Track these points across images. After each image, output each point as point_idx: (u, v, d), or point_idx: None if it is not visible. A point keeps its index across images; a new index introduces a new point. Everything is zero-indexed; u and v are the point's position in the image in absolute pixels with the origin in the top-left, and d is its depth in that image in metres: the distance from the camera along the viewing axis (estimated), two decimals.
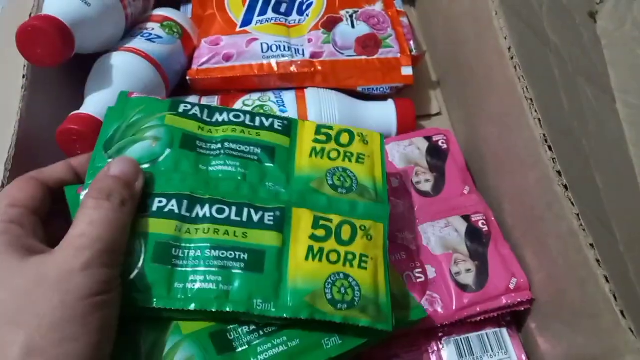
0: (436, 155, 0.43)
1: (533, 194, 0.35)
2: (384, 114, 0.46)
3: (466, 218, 0.40)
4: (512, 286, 0.36)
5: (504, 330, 0.38)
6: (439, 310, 0.36)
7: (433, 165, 0.43)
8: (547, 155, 0.33)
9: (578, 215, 0.30)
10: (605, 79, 0.52)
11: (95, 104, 0.37)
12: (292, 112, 0.44)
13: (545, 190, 0.33)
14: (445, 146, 0.44)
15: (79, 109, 0.37)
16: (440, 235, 0.39)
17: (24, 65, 0.36)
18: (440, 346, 0.37)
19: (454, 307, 0.36)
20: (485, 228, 0.39)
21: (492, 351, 0.37)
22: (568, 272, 0.31)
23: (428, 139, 0.44)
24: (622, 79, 0.52)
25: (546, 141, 0.33)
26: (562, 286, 0.32)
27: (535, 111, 0.34)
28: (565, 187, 0.31)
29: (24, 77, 0.36)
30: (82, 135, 0.35)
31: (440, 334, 0.37)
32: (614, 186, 0.40)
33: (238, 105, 0.44)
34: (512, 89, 0.36)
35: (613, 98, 0.51)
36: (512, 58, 0.37)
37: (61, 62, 0.35)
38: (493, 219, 0.40)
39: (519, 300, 0.36)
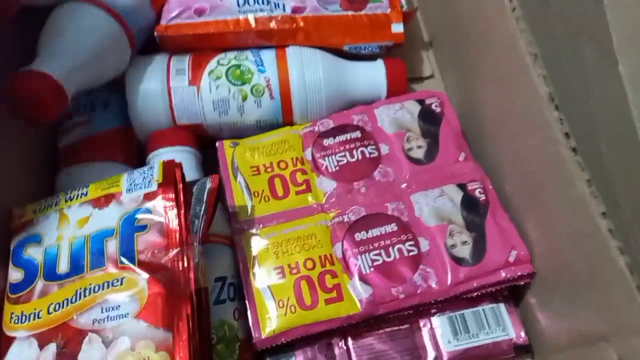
0: (429, 119, 0.40)
1: (536, 158, 0.32)
2: (373, 75, 0.42)
3: (462, 187, 0.37)
4: (511, 259, 0.34)
5: (502, 306, 0.35)
6: (433, 285, 0.33)
7: (426, 130, 0.40)
8: (553, 115, 0.30)
9: (588, 181, 0.27)
10: (607, 39, 0.49)
11: (48, 59, 0.32)
12: (271, 73, 0.40)
13: (550, 154, 0.30)
14: (439, 110, 0.41)
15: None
16: (434, 205, 0.36)
17: None
18: (434, 323, 0.35)
19: (449, 282, 0.33)
20: (483, 197, 0.36)
21: (489, 328, 0.35)
22: (574, 243, 0.29)
23: (420, 102, 0.41)
24: (623, 40, 0.49)
25: (552, 100, 0.30)
26: (568, 259, 0.30)
27: (540, 67, 0.31)
28: (574, 150, 0.29)
29: None
30: (35, 96, 0.31)
31: (433, 310, 0.35)
32: (617, 152, 0.38)
33: (212, 65, 0.40)
34: (513, 44, 0.33)
35: (615, 60, 0.48)
36: (513, 10, 0.33)
37: (10, 15, 0.30)
38: (490, 187, 0.37)
39: (519, 274, 0.34)
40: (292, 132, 0.40)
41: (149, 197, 0.29)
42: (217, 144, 0.40)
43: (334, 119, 0.41)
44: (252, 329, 0.32)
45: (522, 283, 0.34)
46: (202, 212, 0.30)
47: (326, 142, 0.39)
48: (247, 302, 0.33)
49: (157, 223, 0.28)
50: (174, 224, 0.28)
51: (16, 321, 0.27)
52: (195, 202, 0.30)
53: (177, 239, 0.28)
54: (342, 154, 0.39)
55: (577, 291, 0.29)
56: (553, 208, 0.30)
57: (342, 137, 0.40)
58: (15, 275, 0.29)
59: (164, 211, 0.28)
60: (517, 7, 0.33)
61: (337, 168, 0.38)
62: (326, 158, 0.39)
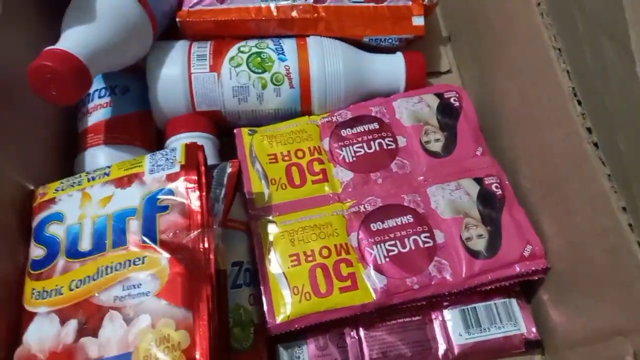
0: (447, 113, 0.40)
1: (557, 153, 0.32)
2: (392, 67, 0.42)
3: (478, 181, 0.37)
4: (526, 254, 0.34)
5: (514, 301, 0.35)
6: (448, 277, 0.33)
7: (444, 124, 0.40)
8: (576, 110, 0.30)
9: (609, 176, 0.28)
10: (626, 39, 0.49)
11: (73, 39, 0.33)
12: (292, 62, 0.40)
13: (572, 148, 0.30)
14: (457, 104, 0.41)
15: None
16: (450, 198, 0.36)
17: None
18: (446, 316, 0.35)
19: (463, 275, 0.33)
20: (499, 191, 0.36)
21: (501, 322, 0.35)
22: (594, 238, 0.29)
23: (439, 95, 0.41)
24: None
25: (575, 95, 0.30)
26: (586, 254, 0.30)
27: (564, 62, 0.31)
28: (596, 145, 0.29)
29: None
30: (56, 73, 0.31)
31: (445, 303, 0.35)
32: (636, 150, 0.38)
33: (233, 52, 0.40)
34: (538, 38, 0.33)
35: (633, 59, 0.48)
36: (538, 4, 0.33)
37: None
38: (507, 182, 0.37)
39: (533, 268, 0.34)
40: (310, 122, 0.41)
41: (172, 178, 0.29)
42: (235, 131, 0.40)
43: (352, 110, 0.41)
44: (266, 314, 0.33)
45: (536, 278, 0.34)
46: (222, 195, 0.30)
47: (344, 132, 0.40)
48: (262, 287, 0.33)
49: (179, 204, 0.28)
50: (195, 205, 0.28)
51: (37, 297, 0.28)
52: (216, 186, 0.31)
53: (199, 220, 0.28)
54: (360, 144, 0.39)
55: (595, 286, 0.29)
56: (573, 203, 0.31)
57: (359, 128, 0.40)
58: (37, 252, 0.29)
59: (186, 192, 0.28)
60: (542, 1, 0.33)
61: (354, 158, 0.38)
62: (343, 148, 0.39)
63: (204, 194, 0.29)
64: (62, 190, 0.30)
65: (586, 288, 0.30)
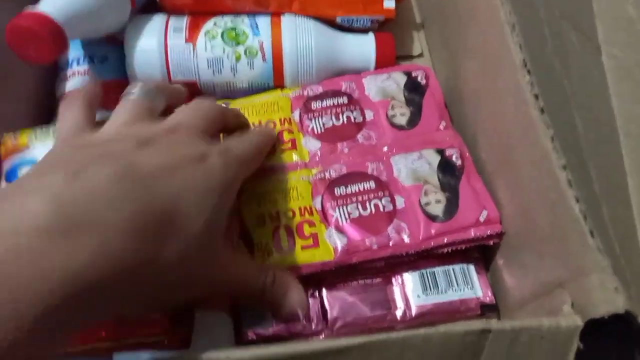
0: (414, 90, 0.42)
1: (509, 120, 0.33)
2: (363, 47, 0.44)
3: (440, 152, 0.38)
4: (482, 219, 0.35)
5: (472, 267, 0.37)
6: (405, 239, 0.35)
7: (410, 99, 0.41)
8: (525, 79, 0.31)
9: (552, 138, 0.29)
10: (591, 29, 0.51)
11: (50, 3, 0.34)
12: (265, 37, 0.42)
13: (521, 114, 0.31)
14: (424, 82, 0.42)
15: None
16: (412, 167, 0.38)
17: None
18: (405, 278, 0.36)
19: (420, 237, 0.35)
20: (459, 162, 0.38)
21: (458, 286, 0.36)
22: (539, 197, 0.30)
23: (407, 74, 0.43)
24: (609, 32, 0.51)
25: (525, 65, 0.32)
26: (532, 214, 0.31)
27: (517, 35, 0.33)
28: (542, 110, 0.30)
29: None
30: (33, 33, 0.32)
31: (405, 267, 0.36)
32: (593, 130, 0.40)
33: (208, 25, 0.42)
34: (494, 15, 0.35)
35: (598, 48, 0.50)
36: None
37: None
38: (468, 154, 0.39)
39: (488, 232, 0.35)
40: (283, 95, 0.42)
41: None
42: None
43: (323, 85, 0.42)
44: None
45: (492, 243, 0.36)
46: None
47: (314, 105, 0.41)
48: None
49: None
50: None
51: None
52: None
53: None
54: (329, 117, 0.41)
55: (540, 243, 0.31)
56: (522, 166, 0.32)
57: (329, 102, 0.41)
58: None
59: None
60: None
61: (323, 130, 0.40)
62: (313, 120, 0.40)
63: None
64: (36, 138, 0.32)
65: (533, 247, 0.32)
